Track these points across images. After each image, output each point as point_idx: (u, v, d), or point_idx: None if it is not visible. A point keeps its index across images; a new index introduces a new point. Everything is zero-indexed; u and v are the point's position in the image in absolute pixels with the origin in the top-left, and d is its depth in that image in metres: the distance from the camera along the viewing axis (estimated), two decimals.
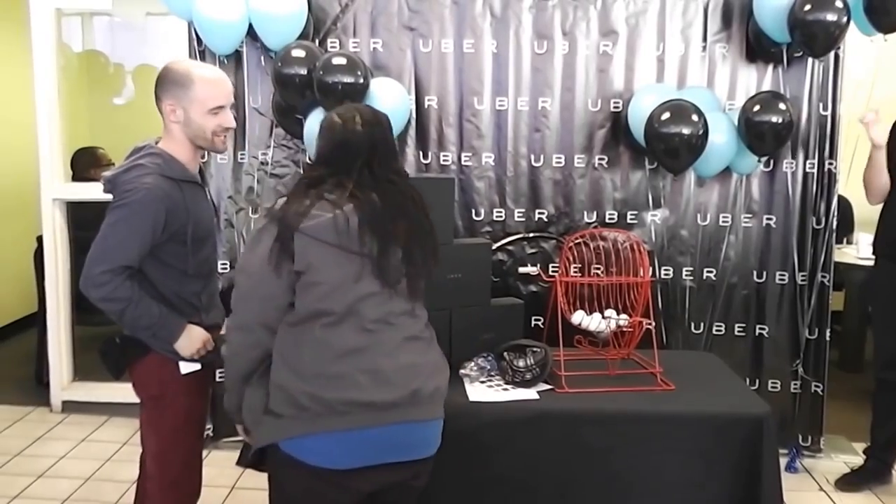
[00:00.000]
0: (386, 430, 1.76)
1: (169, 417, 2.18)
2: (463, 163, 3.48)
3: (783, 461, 3.39)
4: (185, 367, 2.16)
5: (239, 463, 2.36)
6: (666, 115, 3.14)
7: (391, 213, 1.81)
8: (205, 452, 3.46)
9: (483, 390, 2.44)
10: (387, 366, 1.78)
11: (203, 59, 3.42)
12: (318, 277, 1.76)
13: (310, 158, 3.48)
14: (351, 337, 1.77)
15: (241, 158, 3.54)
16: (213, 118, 2.11)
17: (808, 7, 3.01)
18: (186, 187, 2.11)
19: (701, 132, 3.10)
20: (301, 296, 1.79)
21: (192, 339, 2.14)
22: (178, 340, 2.11)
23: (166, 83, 2.11)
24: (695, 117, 3.09)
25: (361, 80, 3.15)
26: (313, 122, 3.28)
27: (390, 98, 3.31)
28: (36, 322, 4.26)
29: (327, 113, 1.98)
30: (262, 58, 3.45)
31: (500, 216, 3.52)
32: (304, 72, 3.16)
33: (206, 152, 2.26)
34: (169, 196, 2.03)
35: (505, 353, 2.49)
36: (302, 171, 3.53)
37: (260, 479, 2.40)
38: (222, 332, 2.08)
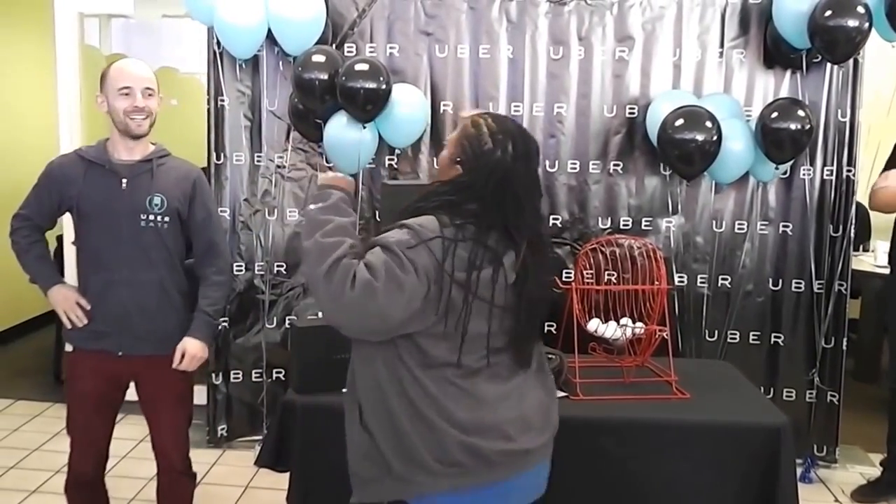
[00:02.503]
0: (530, 474, 1.72)
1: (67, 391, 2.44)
2: None
3: (798, 471, 3.38)
4: (67, 346, 2.43)
5: (257, 463, 2.39)
6: (680, 122, 3.14)
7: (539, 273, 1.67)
8: (219, 452, 3.57)
9: None
10: (527, 410, 1.69)
11: (221, 61, 3.45)
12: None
13: (326, 160, 3.51)
14: (491, 386, 1.66)
15: (258, 161, 3.56)
16: (123, 99, 2.27)
17: (829, 13, 2.99)
18: (93, 168, 2.31)
19: (714, 138, 3.09)
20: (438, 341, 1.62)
21: (59, 296, 2.34)
22: (49, 294, 2.36)
23: (100, 81, 2.33)
24: (708, 123, 3.08)
25: (384, 86, 3.17)
26: (333, 126, 3.30)
27: (411, 104, 3.33)
28: (54, 318, 4.32)
29: (470, 119, 1.74)
30: (280, 62, 3.47)
31: None
32: (324, 76, 3.18)
33: (132, 137, 2.32)
34: (62, 167, 2.35)
35: None
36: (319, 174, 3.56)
37: (274, 479, 2.44)
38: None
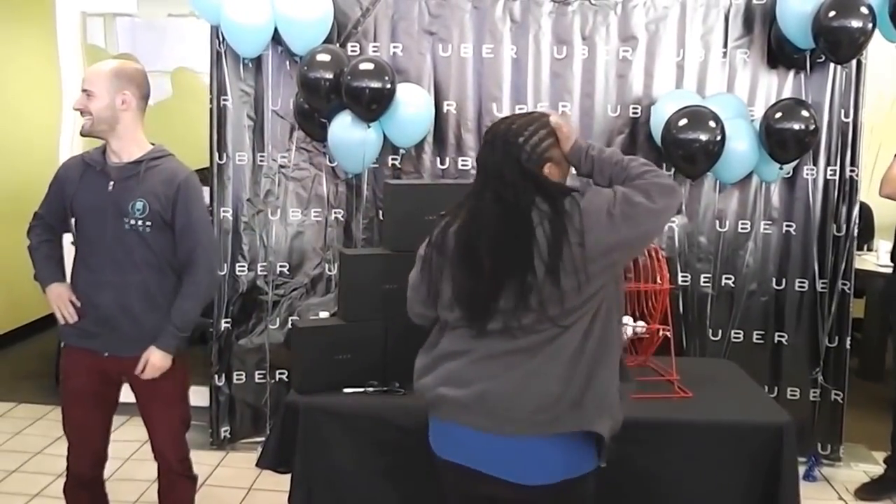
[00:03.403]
0: (490, 440, 1.75)
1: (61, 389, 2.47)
2: None
3: (802, 470, 3.38)
4: (62, 343, 2.45)
5: (258, 464, 2.39)
6: (683, 122, 3.13)
7: None
8: (222, 454, 3.57)
9: None
10: (493, 376, 1.76)
11: (224, 60, 3.45)
12: None
13: (330, 160, 3.52)
14: (448, 340, 1.85)
15: (261, 161, 3.56)
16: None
17: (832, 13, 2.98)
18: (88, 170, 2.36)
19: (718, 138, 3.08)
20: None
21: (54, 293, 2.38)
22: (46, 291, 2.40)
23: None
24: (712, 123, 3.08)
25: (389, 86, 3.17)
26: (338, 125, 3.30)
27: (415, 104, 3.33)
28: (56, 321, 4.31)
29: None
30: (286, 61, 3.47)
31: None
32: (329, 76, 3.19)
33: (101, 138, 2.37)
34: (67, 168, 2.43)
35: None
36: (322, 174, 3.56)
37: (277, 480, 2.44)
38: None
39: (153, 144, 2.39)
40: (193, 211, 2.35)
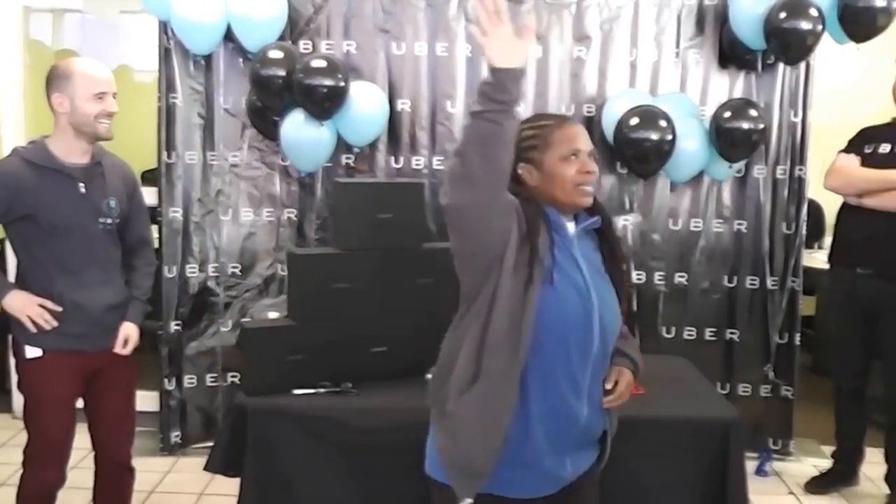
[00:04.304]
0: None
1: (25, 397, 2.39)
2: (435, 167, 3.45)
3: (754, 465, 3.43)
4: (30, 352, 2.33)
5: (206, 468, 2.35)
6: (635, 121, 3.15)
7: None
8: (173, 460, 3.49)
9: None
10: None
11: (173, 56, 3.38)
12: None
13: (282, 159, 3.46)
14: None
15: (212, 160, 3.49)
16: (97, 104, 2.28)
17: (783, 15, 3.04)
18: (46, 173, 2.27)
19: (669, 137, 3.11)
20: None
21: (19, 301, 2.27)
22: (4, 301, 2.30)
23: (53, 79, 2.30)
24: (663, 123, 3.10)
25: (342, 83, 3.14)
26: (290, 124, 3.25)
27: (369, 102, 3.30)
28: None
29: None
30: (237, 58, 3.41)
31: None
32: (282, 73, 3.14)
33: (92, 140, 2.35)
34: (14, 175, 2.25)
35: None
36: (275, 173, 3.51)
37: (229, 485, 2.40)
38: None
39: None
40: (141, 200, 2.54)
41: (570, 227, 1.75)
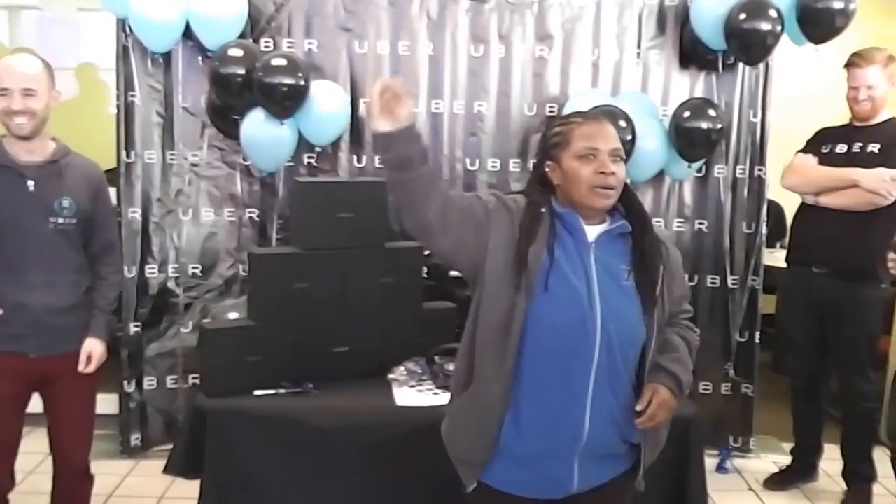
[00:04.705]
0: None
1: None
2: None
3: (715, 462, 3.47)
4: None
5: (166, 470, 2.32)
6: None
7: None
8: (132, 463, 3.43)
9: (412, 395, 2.42)
10: None
11: (130, 54, 3.33)
12: None
13: (243, 158, 3.42)
14: None
15: (171, 159, 3.44)
16: (2, 100, 2.21)
17: (743, 16, 3.08)
18: None
19: (629, 137, 3.14)
20: None
21: None
22: None
23: None
24: (622, 123, 3.13)
25: (302, 82, 3.11)
26: (251, 123, 3.22)
27: (331, 101, 3.27)
28: None
29: None
30: (196, 56, 3.36)
31: None
32: (242, 71, 3.11)
33: (26, 138, 2.27)
34: None
35: (436, 357, 2.47)
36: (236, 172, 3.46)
37: (190, 488, 2.36)
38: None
39: (53, 140, 2.36)
40: (109, 203, 2.50)
41: (590, 230, 1.67)
